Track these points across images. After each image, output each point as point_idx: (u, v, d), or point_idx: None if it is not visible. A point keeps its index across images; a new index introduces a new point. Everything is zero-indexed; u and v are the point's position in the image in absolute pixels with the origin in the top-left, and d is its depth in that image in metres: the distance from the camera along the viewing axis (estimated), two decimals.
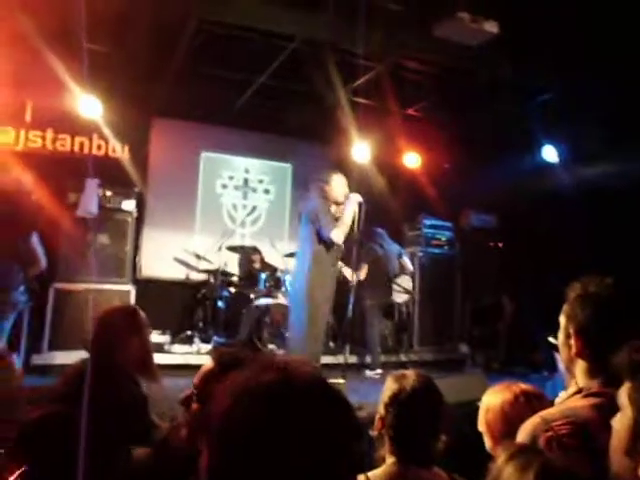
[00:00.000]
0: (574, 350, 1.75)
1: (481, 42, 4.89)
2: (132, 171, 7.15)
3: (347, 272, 5.96)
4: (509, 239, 8.14)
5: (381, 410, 2.01)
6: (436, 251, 8.08)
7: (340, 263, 5.26)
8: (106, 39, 5.77)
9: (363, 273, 6.45)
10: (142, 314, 2.78)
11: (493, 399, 2.12)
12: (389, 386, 2.03)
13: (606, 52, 5.12)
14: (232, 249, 7.39)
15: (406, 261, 7.12)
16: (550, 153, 7.00)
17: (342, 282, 5.69)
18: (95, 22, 5.02)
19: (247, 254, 7.41)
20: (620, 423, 1.36)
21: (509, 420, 2.01)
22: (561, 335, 1.81)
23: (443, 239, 8.14)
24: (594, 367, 1.72)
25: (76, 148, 7.19)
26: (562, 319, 1.80)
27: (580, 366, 1.76)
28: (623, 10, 4.54)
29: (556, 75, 5.86)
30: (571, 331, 1.76)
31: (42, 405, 2.11)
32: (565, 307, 1.79)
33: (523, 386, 2.17)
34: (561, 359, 1.84)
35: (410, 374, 2.08)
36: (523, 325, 6.93)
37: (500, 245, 8.23)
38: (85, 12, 4.60)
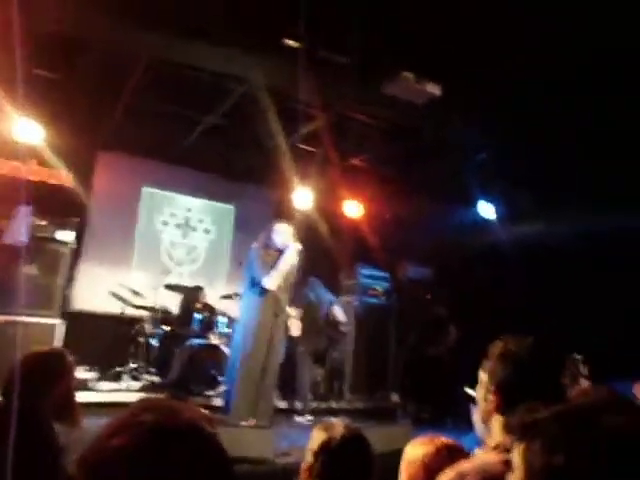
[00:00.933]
0: (492, 405, 1.78)
1: (425, 101, 5.10)
2: (74, 200, 6.97)
3: (292, 323, 5.75)
4: (440, 291, 8.31)
5: (309, 459, 1.99)
6: (372, 300, 8.15)
7: (289, 312, 5.20)
8: (54, 65, 5.70)
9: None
10: (69, 358, 2.66)
11: (415, 451, 2.12)
12: (317, 435, 2.02)
13: (537, 118, 5.43)
14: (173, 288, 7.29)
15: (336, 310, 7.12)
16: (486, 209, 7.27)
17: None
18: (42, 46, 4.98)
19: (191, 293, 7.30)
20: None
21: (430, 473, 2.02)
22: (481, 390, 1.84)
23: (379, 289, 8.24)
24: (508, 423, 1.76)
25: (9, 172, 6.94)
26: (482, 375, 1.84)
27: (497, 421, 1.79)
28: (553, 77, 4.83)
29: (492, 136, 6.15)
30: (491, 387, 1.80)
31: None
32: (486, 363, 1.84)
33: (445, 440, 2.19)
34: (478, 412, 1.88)
35: (338, 424, 2.07)
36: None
37: (428, 297, 8.38)
38: (32, 34, 4.58)
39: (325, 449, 1.97)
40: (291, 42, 5.01)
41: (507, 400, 1.74)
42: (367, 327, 7.93)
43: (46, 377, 2.52)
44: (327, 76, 5.06)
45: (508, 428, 1.74)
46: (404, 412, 7.43)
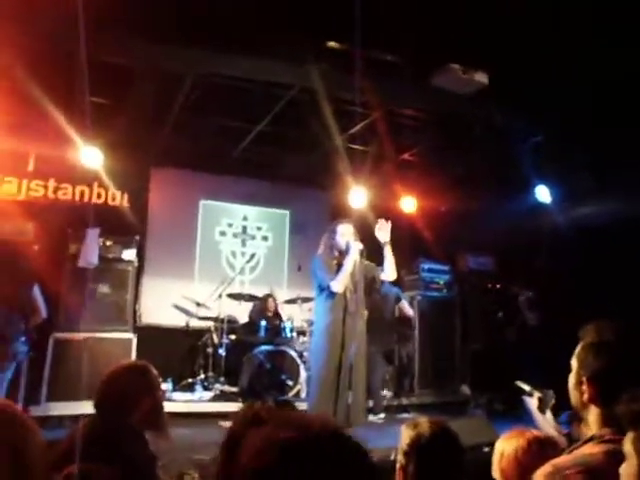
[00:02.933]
0: (586, 396, 1.75)
1: (473, 91, 5.06)
2: (132, 219, 7.22)
3: None
4: (506, 280, 8.18)
5: (401, 459, 2.01)
6: (435, 294, 8.11)
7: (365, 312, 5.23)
8: (107, 91, 5.90)
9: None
10: (154, 372, 2.75)
11: (507, 446, 2.12)
12: (406, 434, 2.03)
13: (589, 95, 5.29)
14: (237, 297, 7.44)
15: (404, 305, 7.13)
16: (543, 193, 7.10)
17: None
18: (97, 75, 5.17)
19: (262, 300, 7.45)
20: (626, 471, 1.38)
21: (523, 467, 2.02)
22: (572, 379, 1.81)
23: (441, 282, 8.19)
24: (607, 414, 1.72)
25: (77, 197, 7.28)
26: (574, 363, 1.80)
27: (593, 412, 1.76)
28: (608, 54, 4.69)
29: (545, 119, 6.03)
30: (583, 378, 1.77)
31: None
32: (578, 352, 1.80)
33: (536, 433, 2.18)
34: (572, 402, 1.85)
35: (424, 420, 2.09)
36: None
37: (498, 286, 8.27)
38: (87, 66, 4.77)
39: (416, 446, 1.98)
40: (336, 44, 5.06)
41: (603, 391, 1.71)
42: (431, 321, 7.89)
43: (133, 391, 2.62)
44: (376, 75, 5.06)
45: (607, 419, 1.71)
46: (476, 404, 7.36)
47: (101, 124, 5.96)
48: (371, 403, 6.56)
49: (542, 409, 3.04)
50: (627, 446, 1.37)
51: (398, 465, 2.02)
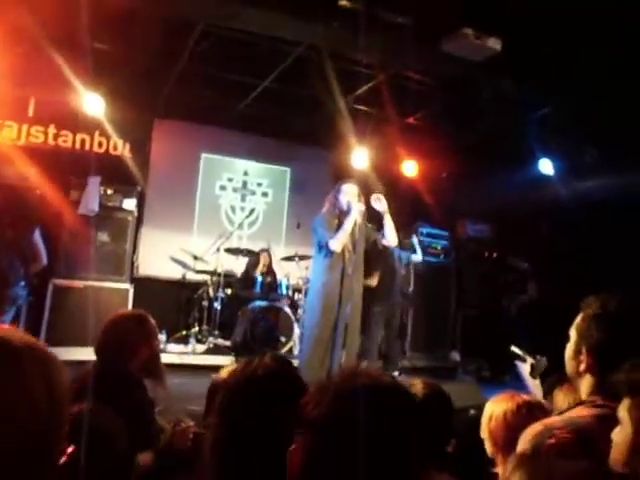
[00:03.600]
0: (583, 366, 1.78)
1: (485, 57, 4.99)
2: (134, 169, 7.18)
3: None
4: (504, 249, 8.23)
5: None
6: (431, 259, 8.15)
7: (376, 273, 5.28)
8: (111, 37, 5.81)
9: (375, 280, 6.56)
10: (152, 321, 2.79)
11: (496, 408, 2.19)
12: None
13: (602, 70, 5.24)
14: (234, 251, 7.46)
15: (413, 260, 7.17)
16: (546, 166, 7.09)
17: None
18: (100, 20, 5.07)
19: (253, 256, 7.50)
20: (619, 437, 1.42)
21: (511, 428, 2.08)
22: (570, 349, 1.83)
23: (439, 247, 8.23)
24: (600, 383, 1.75)
25: (77, 145, 7.22)
26: (573, 334, 1.82)
27: (587, 381, 1.78)
28: (621, 30, 4.63)
29: (555, 91, 5.97)
30: (582, 348, 1.79)
31: None
32: (578, 322, 1.81)
33: (526, 397, 2.25)
34: (568, 371, 1.88)
35: (417, 382, 2.15)
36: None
37: (495, 255, 8.32)
38: (90, 9, 4.68)
39: None
40: (347, 3, 4.96)
41: (601, 361, 1.74)
42: (427, 285, 7.95)
43: (132, 339, 2.67)
44: (385, 36, 4.99)
45: (599, 388, 1.75)
46: (464, 370, 7.50)
47: (104, 71, 5.88)
48: (364, 363, 6.68)
49: (534, 375, 3.12)
50: (622, 412, 1.41)
51: None
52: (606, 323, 1.74)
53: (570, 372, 1.84)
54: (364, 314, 6.52)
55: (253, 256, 7.51)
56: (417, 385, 2.11)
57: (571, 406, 1.84)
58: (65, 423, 0.94)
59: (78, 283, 5.97)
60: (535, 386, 3.20)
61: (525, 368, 3.32)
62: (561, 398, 2.38)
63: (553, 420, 1.75)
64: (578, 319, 1.82)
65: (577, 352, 1.79)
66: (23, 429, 0.84)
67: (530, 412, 2.13)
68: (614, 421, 1.46)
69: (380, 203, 5.05)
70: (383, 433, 0.95)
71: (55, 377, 0.90)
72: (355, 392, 0.96)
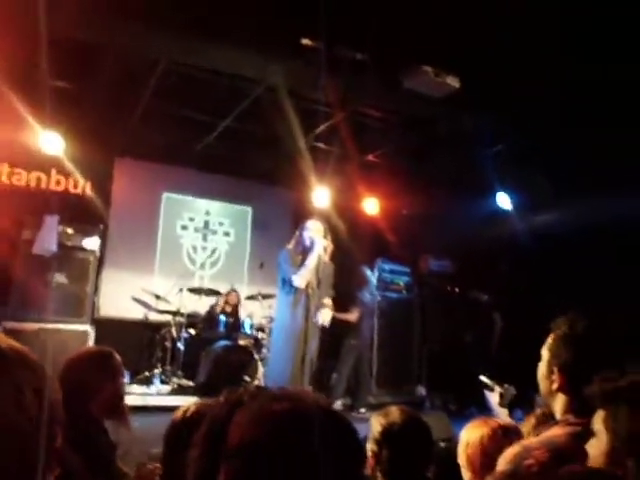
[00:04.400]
0: (555, 385, 1.80)
1: (443, 94, 5.14)
2: (97, 207, 7.06)
3: (323, 314, 5.38)
4: (466, 283, 8.32)
5: (373, 447, 2.02)
6: (394, 295, 8.16)
7: (324, 302, 5.23)
8: (71, 75, 5.76)
9: (355, 315, 6.61)
10: (117, 358, 2.69)
11: (472, 434, 2.16)
12: (377, 422, 2.06)
13: (555, 105, 5.44)
14: (198, 291, 7.39)
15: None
16: (504, 200, 7.27)
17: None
18: (59, 57, 5.03)
19: (225, 294, 7.44)
20: (595, 448, 1.43)
21: (488, 453, 2.06)
22: (543, 369, 1.86)
23: (401, 283, 8.25)
24: (573, 402, 1.78)
25: (32, 183, 7.06)
26: (545, 353, 1.85)
27: (560, 400, 1.82)
28: (573, 64, 4.83)
29: (511, 126, 6.17)
30: (554, 368, 1.82)
31: None
32: (550, 343, 1.84)
33: (500, 421, 2.23)
34: (541, 392, 1.90)
35: (394, 409, 2.11)
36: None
37: (457, 289, 8.40)
38: (49, 46, 4.63)
39: (388, 435, 2.01)
40: (308, 41, 5.05)
41: (573, 380, 1.76)
42: (390, 321, 7.94)
43: (99, 376, 2.55)
44: (345, 74, 5.08)
45: (572, 407, 1.76)
46: (431, 404, 7.47)
47: (64, 109, 5.81)
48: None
49: (502, 404, 3.13)
50: (597, 425, 1.42)
51: (370, 454, 2.03)
52: (575, 343, 1.78)
53: (543, 391, 1.87)
54: (338, 348, 6.54)
55: (218, 296, 7.43)
56: (394, 412, 2.08)
57: (547, 426, 1.85)
58: (56, 434, 0.90)
59: (31, 325, 5.72)
60: (503, 414, 3.20)
61: (493, 397, 3.33)
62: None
63: (530, 441, 1.77)
64: (549, 339, 1.86)
65: (549, 372, 1.82)
66: (16, 437, 0.81)
67: (506, 436, 2.11)
68: (588, 437, 1.48)
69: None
70: (301, 460, 0.86)
71: (44, 385, 0.86)
72: (273, 417, 0.89)
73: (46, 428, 0.84)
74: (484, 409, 6.48)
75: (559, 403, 1.82)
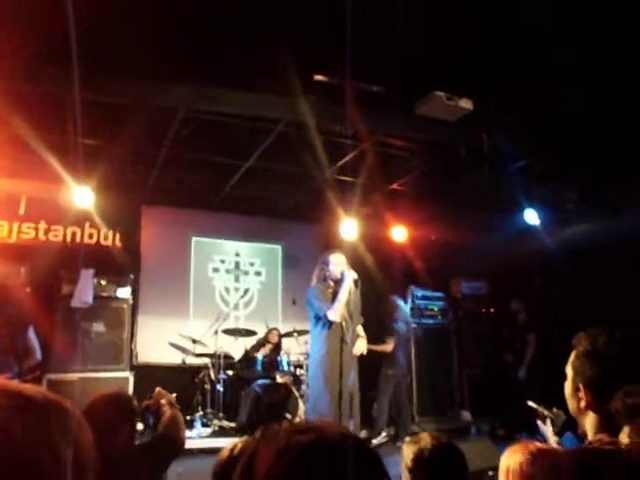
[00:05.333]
0: (583, 403, 1.77)
1: (458, 117, 5.16)
2: (125, 258, 7.22)
3: (359, 345, 5.34)
4: (501, 304, 8.20)
5: (406, 474, 2.00)
6: (429, 321, 8.11)
7: (360, 336, 5.25)
8: (97, 132, 5.96)
9: (390, 346, 6.59)
10: (135, 402, 2.71)
11: (512, 460, 2.12)
12: (408, 450, 2.04)
13: (574, 119, 5.41)
14: (233, 332, 7.43)
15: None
16: (532, 216, 7.18)
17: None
18: (87, 117, 5.24)
19: (266, 333, 7.51)
20: None
21: (529, 479, 2.01)
22: (569, 387, 1.83)
23: (436, 309, 8.19)
24: (603, 419, 1.74)
25: (68, 238, 7.27)
26: (569, 371, 1.81)
27: (590, 418, 1.77)
28: (585, 79, 4.82)
29: (527, 143, 6.14)
30: (580, 385, 1.78)
31: None
32: (573, 360, 1.80)
33: (539, 445, 2.18)
34: (570, 410, 1.86)
35: (425, 435, 2.10)
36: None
37: (492, 310, 8.29)
38: (79, 110, 4.85)
39: (419, 461, 1.99)
40: (322, 78, 5.16)
41: (600, 397, 1.73)
42: (427, 348, 7.87)
43: (116, 417, 2.57)
44: (362, 106, 5.15)
45: (604, 424, 1.72)
46: (477, 430, 7.30)
47: (92, 164, 6.01)
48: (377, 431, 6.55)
49: (555, 431, 3.03)
50: (624, 440, 1.39)
51: None
52: (598, 358, 1.74)
53: (572, 410, 1.83)
54: (376, 378, 6.49)
55: (255, 335, 7.51)
56: (425, 438, 2.06)
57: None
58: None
59: (72, 376, 5.85)
60: (554, 441, 3.11)
61: (547, 428, 3.23)
62: None
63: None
64: (572, 357, 1.82)
65: (575, 390, 1.79)
66: None
67: (546, 460, 2.06)
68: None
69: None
70: None
71: (80, 433, 0.87)
72: (297, 449, 0.89)
73: (78, 474, 0.86)
74: (536, 434, 6.31)
75: (589, 422, 1.78)
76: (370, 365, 5.95)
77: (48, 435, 0.83)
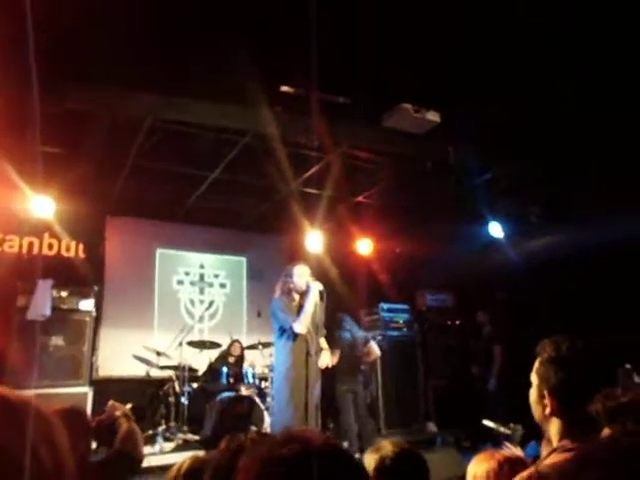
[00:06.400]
0: (548, 410, 1.79)
1: (426, 130, 5.21)
2: (88, 270, 7.05)
3: (323, 357, 5.35)
4: (466, 316, 8.27)
5: None
6: (395, 334, 8.12)
7: (321, 345, 5.19)
8: (59, 140, 5.82)
9: (335, 359, 6.44)
10: (88, 417, 2.67)
11: (479, 468, 2.12)
12: (370, 459, 2.03)
13: (536, 135, 5.52)
14: (198, 344, 7.32)
15: (373, 347, 7.05)
16: (496, 229, 7.28)
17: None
18: (49, 124, 5.11)
19: (228, 345, 7.38)
20: None
21: None
22: (534, 394, 1.85)
23: (401, 321, 8.22)
24: (567, 425, 1.76)
25: (25, 249, 7.05)
26: (534, 379, 1.84)
27: (555, 424, 1.80)
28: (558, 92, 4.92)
29: (493, 156, 6.23)
30: (545, 392, 1.80)
31: None
32: (537, 367, 1.83)
33: (506, 454, 2.19)
34: (535, 416, 1.87)
35: (386, 443, 2.09)
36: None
37: (457, 322, 8.36)
38: (39, 115, 4.71)
39: (380, 469, 1.97)
40: (287, 88, 5.15)
41: (564, 403, 1.75)
42: (393, 360, 7.87)
43: (69, 434, 2.48)
44: (329, 117, 5.16)
45: (568, 430, 1.74)
46: (443, 441, 7.32)
47: (54, 173, 5.86)
48: (345, 444, 6.44)
49: (513, 445, 3.05)
50: None
51: None
52: (561, 365, 1.78)
53: (537, 417, 1.86)
54: (332, 394, 6.39)
55: (220, 348, 7.40)
56: (386, 446, 2.05)
57: (545, 455, 1.82)
58: None
59: (27, 392, 5.61)
60: (518, 451, 3.12)
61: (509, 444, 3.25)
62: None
63: (529, 472, 1.72)
64: (536, 364, 1.85)
65: (540, 396, 1.81)
66: None
67: (512, 468, 2.07)
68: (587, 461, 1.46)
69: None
70: None
71: (56, 436, 0.87)
72: (284, 461, 0.89)
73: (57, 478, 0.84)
74: (500, 444, 6.34)
75: (554, 428, 1.80)
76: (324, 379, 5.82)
77: (28, 439, 0.82)
